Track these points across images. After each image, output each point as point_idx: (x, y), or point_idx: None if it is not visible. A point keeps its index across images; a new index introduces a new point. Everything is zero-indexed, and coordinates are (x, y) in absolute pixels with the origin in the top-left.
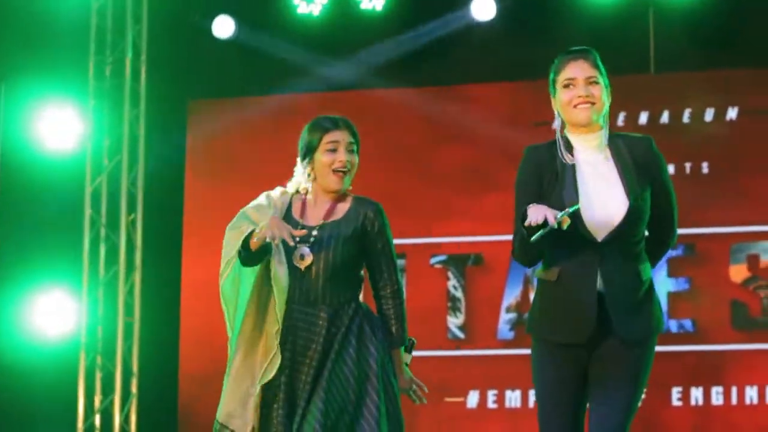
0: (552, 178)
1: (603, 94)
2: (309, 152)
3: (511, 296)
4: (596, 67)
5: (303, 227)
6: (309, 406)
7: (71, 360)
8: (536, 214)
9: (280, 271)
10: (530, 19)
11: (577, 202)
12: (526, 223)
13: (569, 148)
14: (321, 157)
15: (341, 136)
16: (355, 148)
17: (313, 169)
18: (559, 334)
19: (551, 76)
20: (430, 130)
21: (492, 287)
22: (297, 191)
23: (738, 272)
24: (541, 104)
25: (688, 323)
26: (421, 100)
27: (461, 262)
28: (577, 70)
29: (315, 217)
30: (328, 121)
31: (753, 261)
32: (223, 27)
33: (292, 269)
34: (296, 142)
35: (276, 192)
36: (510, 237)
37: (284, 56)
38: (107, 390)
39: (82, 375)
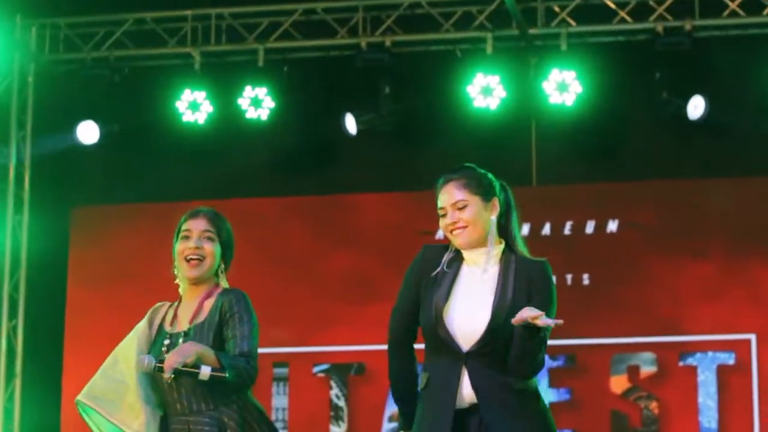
0: (434, 279)
1: (476, 215)
2: (174, 246)
3: (393, 406)
4: (464, 186)
5: (170, 335)
6: None
7: None
8: None
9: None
10: (414, 130)
11: (442, 307)
12: None
13: (459, 256)
14: (177, 246)
15: (195, 224)
16: (213, 236)
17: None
18: None
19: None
20: (313, 238)
21: (374, 396)
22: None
23: (618, 383)
24: (424, 214)
25: None
26: (305, 209)
27: (344, 371)
28: (444, 197)
29: (184, 320)
30: (189, 212)
31: (633, 372)
32: (87, 133)
33: (162, 382)
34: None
35: (145, 319)
36: None
37: (168, 163)
38: None
39: None
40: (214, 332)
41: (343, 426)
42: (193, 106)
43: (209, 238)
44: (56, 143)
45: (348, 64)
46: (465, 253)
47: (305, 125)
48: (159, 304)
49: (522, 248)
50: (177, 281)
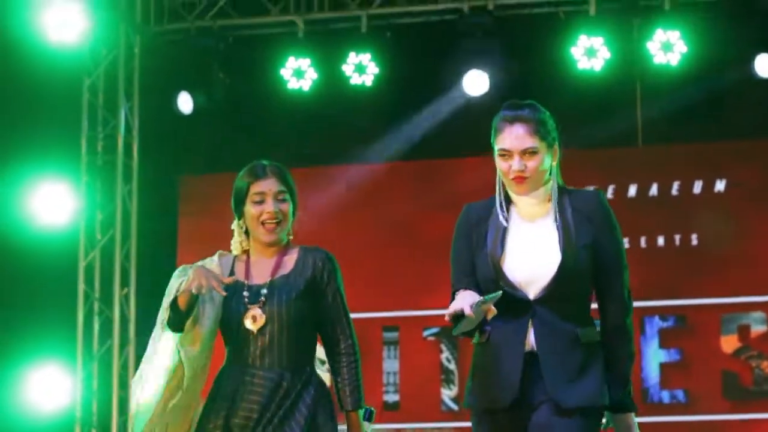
0: (483, 234)
1: (543, 163)
2: (238, 205)
3: None
4: (535, 132)
5: (248, 287)
6: None
7: None
8: (458, 303)
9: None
10: (519, 92)
11: (500, 257)
12: (446, 315)
13: (508, 203)
14: (249, 209)
15: (268, 186)
16: (287, 196)
17: (245, 222)
18: (485, 400)
19: (491, 134)
20: (421, 202)
21: None
22: (240, 252)
23: (729, 343)
24: None
25: (680, 393)
26: (413, 174)
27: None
28: (511, 140)
29: (261, 274)
30: (255, 170)
31: (744, 331)
32: (185, 103)
33: (244, 333)
34: None
35: (214, 257)
36: None
37: (274, 130)
38: None
39: None
40: (306, 283)
41: (454, 389)
42: (298, 73)
43: (284, 199)
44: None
45: (451, 28)
46: (515, 199)
47: (409, 91)
48: (220, 252)
49: (559, 179)
50: (237, 240)
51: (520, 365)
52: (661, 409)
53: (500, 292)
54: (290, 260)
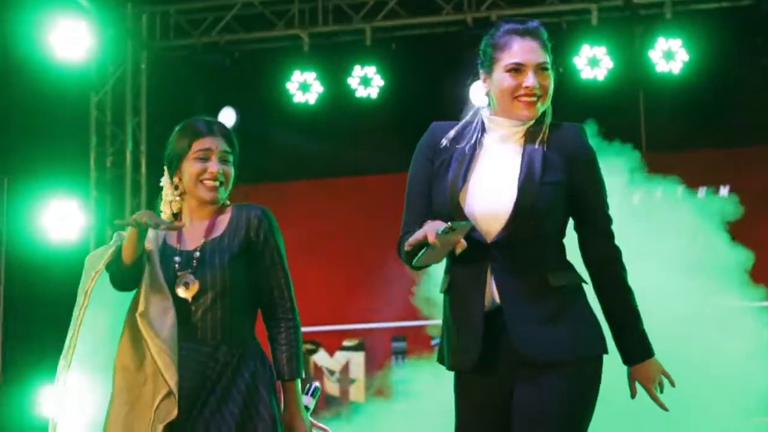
0: (448, 160)
1: (551, 85)
2: (176, 161)
3: None
4: (545, 49)
5: (180, 252)
6: None
7: None
8: (423, 231)
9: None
10: None
11: (460, 189)
12: (407, 244)
13: (482, 132)
14: (189, 167)
15: (214, 143)
16: (230, 158)
17: (180, 180)
18: (451, 360)
19: (489, 49)
20: None
21: None
22: (169, 215)
23: None
24: None
25: None
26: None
27: None
28: (527, 53)
29: (194, 239)
30: (198, 125)
31: None
32: (227, 118)
33: (178, 303)
34: (294, 230)
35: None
36: None
37: (281, 143)
38: None
39: None
40: (241, 244)
41: None
42: (304, 87)
43: (227, 161)
44: None
45: (455, 40)
46: (495, 123)
47: (413, 103)
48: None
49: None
50: (167, 201)
51: (480, 320)
52: None
53: (470, 222)
54: (224, 220)
